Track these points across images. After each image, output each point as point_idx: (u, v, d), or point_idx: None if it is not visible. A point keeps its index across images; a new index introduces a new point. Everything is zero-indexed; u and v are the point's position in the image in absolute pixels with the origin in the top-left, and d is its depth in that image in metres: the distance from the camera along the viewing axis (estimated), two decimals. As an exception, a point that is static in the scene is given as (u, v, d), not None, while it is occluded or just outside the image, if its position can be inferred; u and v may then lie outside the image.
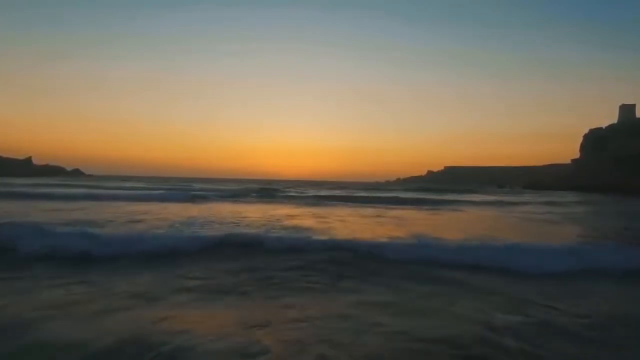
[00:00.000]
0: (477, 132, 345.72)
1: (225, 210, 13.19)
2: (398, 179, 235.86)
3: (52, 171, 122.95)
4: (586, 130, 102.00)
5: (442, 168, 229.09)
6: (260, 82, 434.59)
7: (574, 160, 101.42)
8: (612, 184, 70.09)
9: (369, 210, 14.65)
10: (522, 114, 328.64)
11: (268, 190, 29.14)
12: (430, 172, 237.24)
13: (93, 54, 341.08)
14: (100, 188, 27.47)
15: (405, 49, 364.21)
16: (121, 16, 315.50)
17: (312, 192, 31.45)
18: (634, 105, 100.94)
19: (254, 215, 12.02)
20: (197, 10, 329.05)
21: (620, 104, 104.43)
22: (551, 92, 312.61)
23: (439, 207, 17.72)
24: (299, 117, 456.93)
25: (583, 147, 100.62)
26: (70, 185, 31.45)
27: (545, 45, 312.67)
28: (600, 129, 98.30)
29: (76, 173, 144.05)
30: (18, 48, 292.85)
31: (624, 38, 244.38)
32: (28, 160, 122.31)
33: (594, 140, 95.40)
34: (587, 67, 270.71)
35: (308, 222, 10.46)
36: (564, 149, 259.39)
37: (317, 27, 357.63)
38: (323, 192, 30.09)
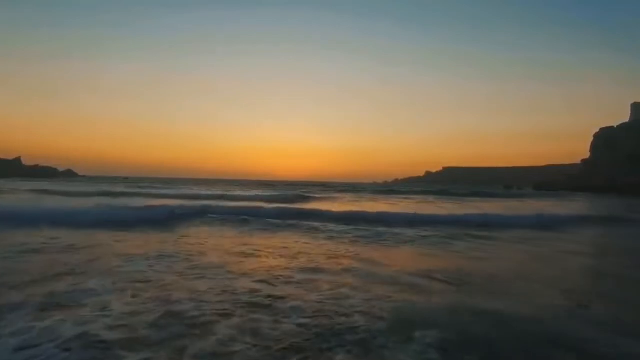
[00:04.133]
0: (475, 132, 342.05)
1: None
2: (396, 180, 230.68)
3: (43, 172, 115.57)
4: (596, 130, 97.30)
5: (441, 169, 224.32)
6: (259, 83, 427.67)
7: (584, 160, 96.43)
8: (628, 183, 65.86)
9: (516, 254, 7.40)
10: (521, 115, 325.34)
11: (280, 198, 22.55)
12: (428, 173, 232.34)
13: (88, 54, 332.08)
14: (65, 195, 20.96)
15: (404, 50, 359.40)
16: (119, 16, 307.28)
17: (328, 199, 25.23)
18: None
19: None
20: (196, 11, 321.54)
21: (628, 103, 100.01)
22: (550, 93, 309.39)
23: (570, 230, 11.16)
24: (297, 118, 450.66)
25: (593, 146, 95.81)
26: (36, 190, 24.89)
27: (544, 45, 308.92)
28: (611, 127, 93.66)
29: (69, 174, 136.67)
30: (9, 47, 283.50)
31: (625, 38, 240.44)
32: (17, 160, 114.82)
33: (605, 139, 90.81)
34: (587, 68, 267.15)
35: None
36: (564, 149, 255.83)
37: (317, 27, 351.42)
38: (345, 206, 23.81)
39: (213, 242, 7.67)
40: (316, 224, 9.92)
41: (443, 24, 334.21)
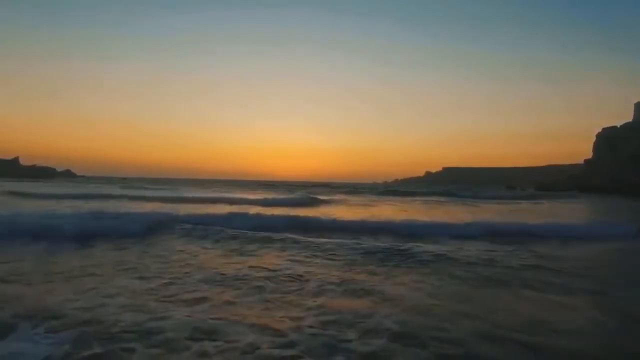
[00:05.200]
0: (475, 132, 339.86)
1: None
2: (396, 180, 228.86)
3: (40, 172, 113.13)
4: (598, 130, 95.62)
5: (441, 169, 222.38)
6: (259, 83, 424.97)
7: (586, 160, 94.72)
8: (631, 184, 64.37)
9: None
10: (521, 115, 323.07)
11: (286, 202, 19.86)
12: (428, 173, 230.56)
13: (88, 54, 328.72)
14: (44, 198, 18.96)
15: (404, 50, 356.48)
16: (119, 16, 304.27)
17: (336, 202, 23.22)
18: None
19: None
20: (196, 11, 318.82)
21: (631, 103, 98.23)
22: (551, 93, 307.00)
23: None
24: (297, 118, 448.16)
25: (596, 146, 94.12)
26: (15, 192, 22.81)
27: (544, 45, 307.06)
28: (614, 127, 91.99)
29: (68, 174, 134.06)
30: (9, 47, 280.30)
31: (626, 38, 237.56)
32: (14, 160, 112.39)
33: (608, 139, 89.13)
34: (587, 68, 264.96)
35: None
36: (565, 149, 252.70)
37: (317, 27, 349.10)
38: (356, 211, 21.75)
39: (195, 264, 5.67)
40: (331, 241, 7.85)
41: (443, 24, 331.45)
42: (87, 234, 7.59)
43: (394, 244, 7.37)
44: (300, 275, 5.19)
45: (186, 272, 5.20)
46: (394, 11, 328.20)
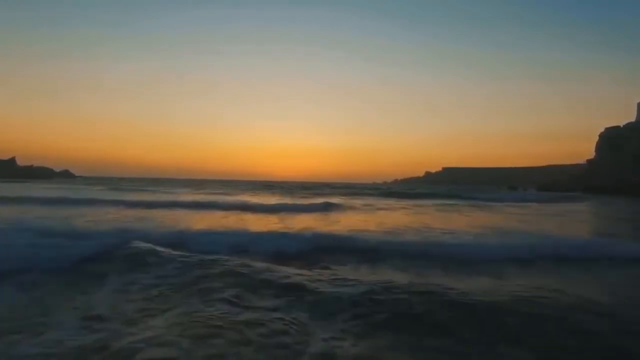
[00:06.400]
0: (475, 132, 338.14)
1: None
2: (396, 180, 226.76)
3: (38, 173, 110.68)
4: (601, 130, 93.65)
5: (440, 169, 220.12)
6: (259, 83, 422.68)
7: (589, 160, 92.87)
8: (634, 184, 62.55)
9: None
10: (521, 115, 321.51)
11: (296, 208, 17.02)
12: (428, 173, 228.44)
13: (88, 54, 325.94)
14: (6, 203, 16.75)
15: (404, 50, 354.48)
16: (119, 16, 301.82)
17: (348, 209, 20.92)
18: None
19: None
20: (196, 10, 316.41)
21: (634, 103, 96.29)
22: (551, 93, 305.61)
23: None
24: (297, 118, 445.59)
25: (598, 146, 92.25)
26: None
27: (544, 45, 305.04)
28: (617, 127, 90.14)
29: (66, 174, 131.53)
30: (9, 47, 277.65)
31: (626, 38, 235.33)
32: (11, 160, 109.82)
33: (611, 139, 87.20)
34: (588, 67, 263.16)
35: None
36: (565, 149, 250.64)
37: (317, 27, 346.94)
38: (371, 217, 19.47)
39: (142, 315, 3.43)
40: (343, 277, 5.60)
41: (443, 24, 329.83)
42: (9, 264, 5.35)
43: (438, 283, 5.06)
44: (297, 341, 3.08)
45: (114, 335, 2.99)
46: (394, 11, 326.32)
